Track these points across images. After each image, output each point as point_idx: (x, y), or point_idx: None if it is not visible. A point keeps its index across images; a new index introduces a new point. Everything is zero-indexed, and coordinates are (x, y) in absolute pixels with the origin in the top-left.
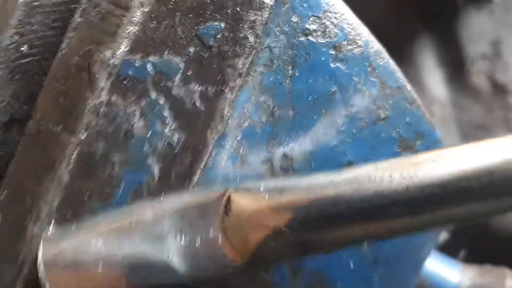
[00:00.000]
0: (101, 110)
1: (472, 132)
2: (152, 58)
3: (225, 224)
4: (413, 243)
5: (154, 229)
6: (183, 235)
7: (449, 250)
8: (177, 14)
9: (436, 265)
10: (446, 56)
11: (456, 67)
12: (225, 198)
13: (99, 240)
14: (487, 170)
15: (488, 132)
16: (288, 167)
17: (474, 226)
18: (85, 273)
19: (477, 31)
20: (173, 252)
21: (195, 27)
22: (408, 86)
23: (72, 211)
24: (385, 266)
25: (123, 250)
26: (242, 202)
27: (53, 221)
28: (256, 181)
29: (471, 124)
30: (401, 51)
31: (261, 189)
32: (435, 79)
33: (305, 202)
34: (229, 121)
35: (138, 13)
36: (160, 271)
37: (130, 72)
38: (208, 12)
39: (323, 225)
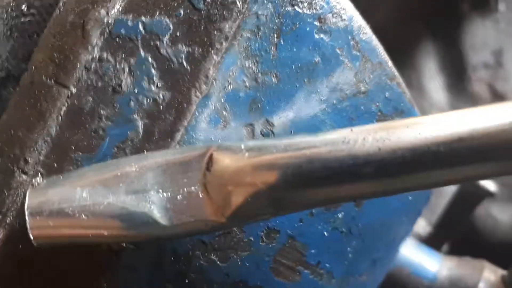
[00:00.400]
0: (93, 65)
1: None
2: (144, 18)
3: (206, 180)
4: (389, 221)
5: (138, 182)
6: (165, 189)
7: (431, 244)
8: None
9: (416, 254)
10: (448, 63)
11: (457, 74)
12: (207, 155)
13: (84, 189)
14: (458, 136)
15: None
16: (269, 133)
17: (457, 221)
18: (69, 221)
19: (481, 39)
20: (155, 205)
21: None
22: (390, 63)
23: (59, 162)
24: (359, 239)
25: (107, 200)
26: (224, 160)
27: (40, 171)
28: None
29: None
30: (404, 55)
31: (242, 148)
32: (436, 85)
33: (283, 161)
34: (213, 83)
35: None
36: (142, 222)
37: (122, 31)
38: None
39: (299, 184)
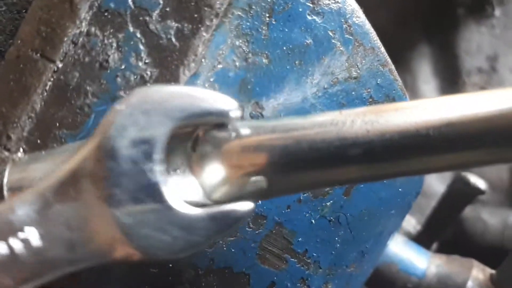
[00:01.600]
0: (80, 40)
1: None
2: None
3: (192, 160)
4: (378, 212)
5: None
6: None
7: (421, 242)
8: None
9: (405, 251)
10: (443, 66)
11: (451, 78)
12: (193, 135)
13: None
14: (447, 121)
15: None
16: (258, 115)
17: (446, 221)
18: None
19: (476, 44)
20: None
21: None
22: (382, 48)
23: (43, 139)
24: (347, 229)
25: None
26: (210, 140)
27: (23, 147)
28: None
29: None
30: (400, 58)
31: (229, 129)
32: (430, 88)
33: (270, 142)
34: (202, 61)
35: None
36: None
37: (111, 5)
38: None
39: (286, 165)
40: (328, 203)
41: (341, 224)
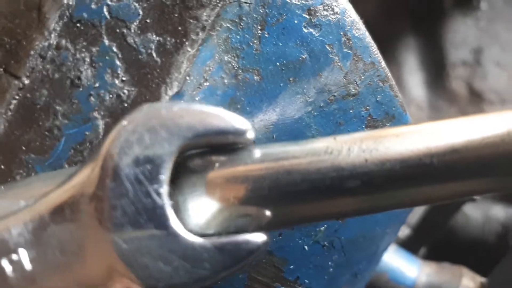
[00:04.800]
0: (49, 54)
1: None
2: (109, 1)
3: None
4: (373, 234)
5: None
6: None
7: (410, 246)
8: None
9: (395, 259)
10: (428, 59)
11: (436, 70)
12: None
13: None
14: (451, 148)
15: None
16: None
17: (436, 225)
18: None
19: (461, 37)
20: None
21: None
22: (383, 63)
23: (7, 164)
24: (341, 253)
25: None
26: (192, 170)
27: None
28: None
29: None
30: (385, 50)
31: (213, 158)
32: (415, 80)
33: (258, 172)
34: (187, 78)
35: None
36: None
37: (84, 15)
38: None
39: (276, 198)
40: (322, 228)
41: (335, 248)
